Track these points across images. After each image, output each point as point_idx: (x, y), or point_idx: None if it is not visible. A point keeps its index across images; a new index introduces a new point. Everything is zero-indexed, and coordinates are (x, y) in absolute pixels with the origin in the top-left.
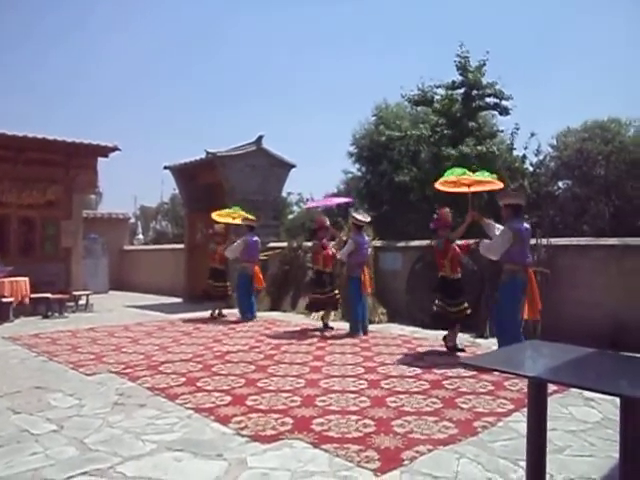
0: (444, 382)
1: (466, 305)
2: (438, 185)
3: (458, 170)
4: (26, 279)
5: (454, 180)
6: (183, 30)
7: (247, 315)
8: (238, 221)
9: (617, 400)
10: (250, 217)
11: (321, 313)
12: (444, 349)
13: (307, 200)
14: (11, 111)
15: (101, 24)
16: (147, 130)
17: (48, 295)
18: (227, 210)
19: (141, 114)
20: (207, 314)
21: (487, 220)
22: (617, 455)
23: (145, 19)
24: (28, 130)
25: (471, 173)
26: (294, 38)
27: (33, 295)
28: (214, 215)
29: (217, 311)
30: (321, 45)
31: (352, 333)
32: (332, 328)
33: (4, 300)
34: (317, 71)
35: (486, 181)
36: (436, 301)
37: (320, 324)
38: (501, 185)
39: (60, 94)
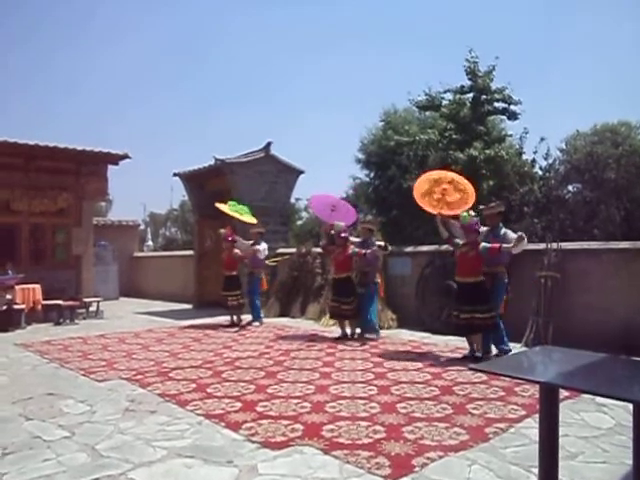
0: (454, 388)
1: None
2: (417, 200)
3: (434, 174)
4: (37, 286)
5: (430, 185)
6: (187, 34)
7: (261, 319)
8: (243, 218)
9: (630, 406)
10: (249, 220)
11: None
12: (454, 355)
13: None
14: (16, 115)
15: (105, 28)
16: (156, 137)
17: (59, 302)
18: (229, 205)
19: (150, 121)
20: (216, 320)
21: (453, 221)
22: (630, 461)
23: (149, 22)
24: (35, 136)
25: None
26: (299, 41)
27: (45, 302)
28: (219, 205)
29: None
30: (326, 48)
31: (375, 336)
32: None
33: (16, 307)
34: (324, 75)
35: (461, 190)
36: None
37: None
38: (471, 201)
39: (66, 99)
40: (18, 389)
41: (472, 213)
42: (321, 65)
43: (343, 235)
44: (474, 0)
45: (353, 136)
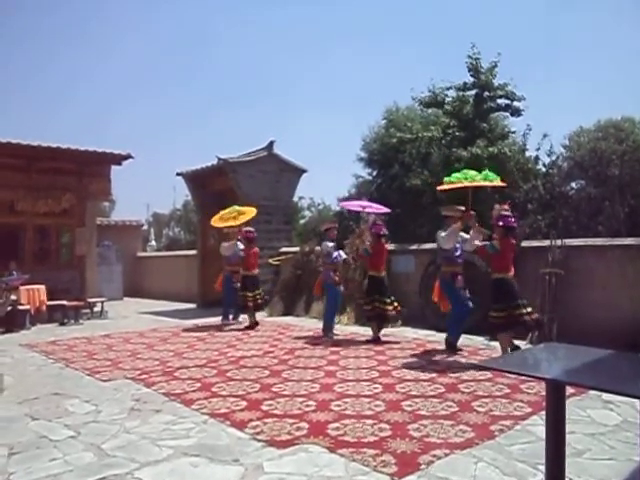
0: (459, 385)
1: None
2: (444, 187)
3: (459, 175)
4: (42, 287)
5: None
6: (188, 34)
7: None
8: (241, 220)
9: (637, 403)
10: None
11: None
12: (459, 353)
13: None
14: (16, 115)
15: (105, 27)
16: (159, 137)
17: (64, 302)
18: (224, 212)
19: (153, 121)
20: (220, 319)
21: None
22: (637, 458)
23: (149, 22)
24: (35, 137)
25: (471, 173)
26: (299, 41)
27: (49, 302)
28: (214, 222)
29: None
30: (327, 47)
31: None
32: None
33: (21, 308)
34: (325, 74)
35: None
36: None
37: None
38: (504, 185)
39: (67, 99)
40: (24, 389)
41: (497, 207)
42: (322, 64)
43: (378, 225)
44: None
45: (355, 136)
